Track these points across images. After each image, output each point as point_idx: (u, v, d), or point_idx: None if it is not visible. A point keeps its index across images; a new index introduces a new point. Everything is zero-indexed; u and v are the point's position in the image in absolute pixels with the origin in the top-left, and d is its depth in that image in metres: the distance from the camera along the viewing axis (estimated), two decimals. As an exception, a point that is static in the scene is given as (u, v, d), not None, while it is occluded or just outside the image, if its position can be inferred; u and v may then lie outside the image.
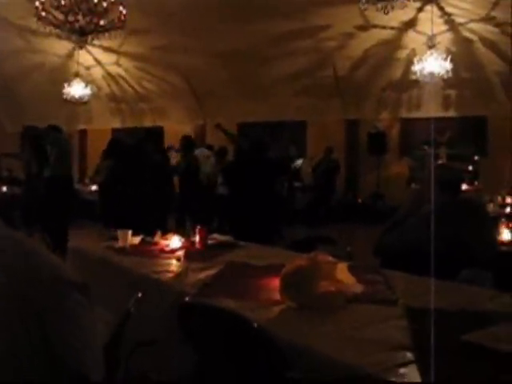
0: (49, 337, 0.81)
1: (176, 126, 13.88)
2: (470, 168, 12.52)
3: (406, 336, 1.75)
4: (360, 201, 12.44)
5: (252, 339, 1.77)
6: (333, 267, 2.10)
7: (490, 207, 7.00)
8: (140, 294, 2.11)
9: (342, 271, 2.15)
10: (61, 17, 8.73)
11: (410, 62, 9.82)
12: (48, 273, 0.88)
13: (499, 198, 7.94)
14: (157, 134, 13.01)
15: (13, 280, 0.83)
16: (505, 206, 7.44)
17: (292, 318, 2.00)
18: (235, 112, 12.76)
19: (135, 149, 7.42)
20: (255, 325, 1.75)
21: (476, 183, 12.03)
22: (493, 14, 8.82)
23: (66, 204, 7.36)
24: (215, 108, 13.13)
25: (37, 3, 8.42)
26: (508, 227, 4.18)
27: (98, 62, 12.77)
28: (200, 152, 9.24)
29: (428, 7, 8.93)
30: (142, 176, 6.71)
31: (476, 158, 12.01)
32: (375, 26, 9.82)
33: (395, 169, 12.36)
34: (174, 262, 3.11)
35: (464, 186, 12.31)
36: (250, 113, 12.61)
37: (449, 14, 9.23)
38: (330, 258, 2.15)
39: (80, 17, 8.65)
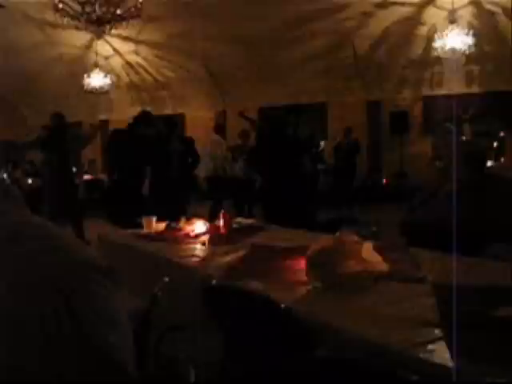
0: (79, 322, 0.82)
1: (197, 112, 13.89)
2: (495, 144, 12.33)
3: (433, 313, 1.73)
4: (384, 180, 12.34)
5: (279, 320, 1.78)
6: (358, 247, 2.09)
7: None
8: (167, 279, 2.12)
9: (368, 250, 2.14)
10: (78, 8, 8.77)
11: (430, 39, 9.68)
12: (73, 256, 0.88)
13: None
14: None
15: (39, 265, 0.83)
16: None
17: (318, 297, 1.99)
18: (255, 96, 12.72)
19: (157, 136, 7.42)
20: (282, 306, 1.75)
21: (502, 159, 11.86)
22: (516, -16, 8.62)
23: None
24: (235, 93, 13.11)
25: (54, -5, 8.47)
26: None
27: (117, 52, 12.80)
28: (214, 138, 9.16)
29: (449, -19, 8.78)
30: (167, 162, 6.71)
31: (502, 134, 11.81)
32: (394, 3, 9.68)
33: (418, 147, 12.22)
34: (198, 246, 3.13)
35: (490, 163, 12.20)
36: (270, 97, 12.55)
37: (470, -13, 9.05)
38: (356, 238, 2.13)
39: (97, 7, 8.69)
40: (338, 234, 2.12)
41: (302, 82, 12.08)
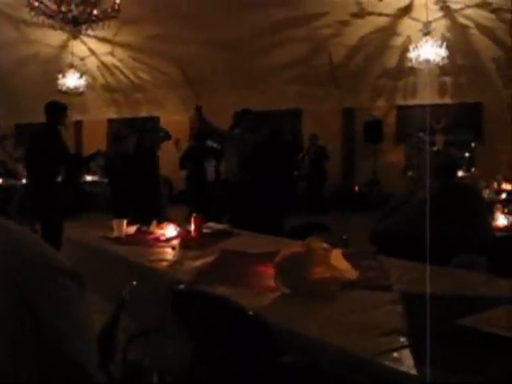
0: (40, 325, 0.81)
1: (172, 116, 13.83)
2: (467, 154, 12.53)
3: (400, 321, 1.75)
4: (357, 188, 12.43)
5: (246, 326, 1.77)
6: (327, 254, 2.10)
7: (486, 193, 7.01)
8: (134, 283, 2.10)
9: (337, 257, 2.15)
10: (54, 7, 8.68)
11: (405, 49, 9.81)
12: (37, 258, 0.87)
13: (495, 184, 7.94)
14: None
15: (2, 267, 0.82)
16: (501, 192, 7.45)
17: (287, 304, 1.99)
18: (231, 101, 12.71)
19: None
20: (250, 312, 1.75)
21: (473, 169, 12.06)
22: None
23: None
24: (210, 98, 13.08)
25: (30, -6, 8.37)
26: (503, 213, 4.19)
27: (93, 53, 12.71)
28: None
29: (423, -7, 8.91)
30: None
31: (473, 144, 12.03)
32: (370, 14, 9.79)
33: (391, 156, 12.35)
34: (169, 250, 3.12)
35: (460, 173, 12.40)
36: (246, 102, 12.55)
37: (444, 1, 9.21)
38: (325, 245, 2.14)
39: (73, 6, 8.61)
40: (307, 240, 2.13)
41: (278, 88, 12.14)
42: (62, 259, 0.92)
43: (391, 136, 12.63)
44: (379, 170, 12.29)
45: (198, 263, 2.68)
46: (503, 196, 6.96)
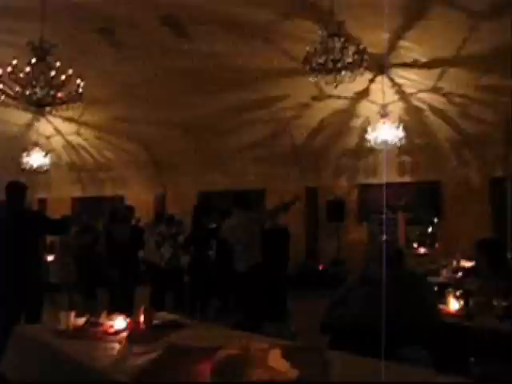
0: None
1: (138, 195, 13.85)
2: (430, 230, 12.76)
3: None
4: (320, 267, 12.41)
5: None
6: (265, 354, 2.08)
7: (443, 273, 7.09)
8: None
9: (275, 358, 2.13)
10: (18, 89, 8.76)
11: (364, 130, 10.11)
12: None
13: (454, 262, 8.01)
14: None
15: None
16: (459, 270, 7.51)
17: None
18: (195, 181, 12.88)
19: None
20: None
21: (437, 245, 12.24)
22: (439, 84, 9.23)
23: None
24: (175, 177, 13.23)
25: (-6, 75, 8.45)
26: (455, 297, 4.19)
27: (58, 132, 12.82)
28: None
29: (379, 78, 9.30)
30: None
31: (435, 220, 12.25)
32: (330, 96, 10.13)
33: (355, 235, 12.47)
34: (116, 345, 3.04)
35: (423, 250, 12.55)
36: (210, 182, 12.73)
37: (399, 85, 9.61)
38: (263, 345, 2.13)
39: (38, 89, 8.70)
40: (244, 340, 2.11)
41: (241, 168, 12.34)
42: None
43: (354, 214, 12.78)
44: (342, 249, 12.35)
45: (141, 360, 2.61)
46: (459, 274, 7.00)
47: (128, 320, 3.49)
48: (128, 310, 3.74)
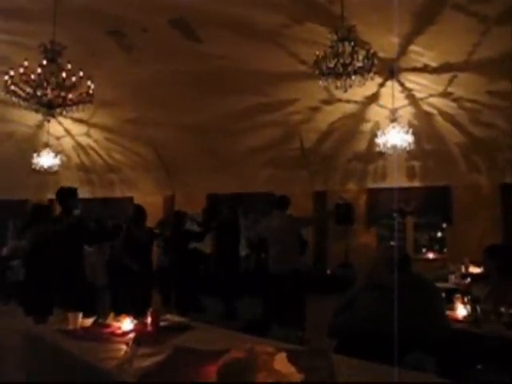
0: None
1: (146, 197, 13.88)
2: (439, 235, 12.71)
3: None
4: (329, 271, 12.40)
5: None
6: (270, 358, 2.08)
7: (452, 279, 7.05)
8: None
9: (281, 361, 2.13)
10: (29, 90, 8.83)
11: (373, 135, 10.07)
12: None
13: (463, 268, 7.97)
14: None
15: None
16: (467, 276, 7.47)
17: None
18: (204, 184, 12.90)
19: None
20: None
21: (445, 250, 12.20)
22: (449, 89, 9.20)
23: None
24: (184, 180, 13.25)
25: (6, 77, 8.51)
26: (463, 303, 4.18)
27: (69, 133, 12.87)
28: None
29: (389, 83, 9.28)
30: None
31: (444, 225, 12.23)
32: (340, 100, 10.12)
33: (363, 239, 12.44)
34: (123, 346, 3.05)
35: (431, 255, 12.51)
36: (219, 185, 12.74)
37: (409, 90, 9.58)
38: (269, 349, 2.13)
39: (49, 91, 8.75)
40: (249, 345, 2.11)
41: (251, 171, 12.35)
42: None
43: (362, 218, 12.76)
44: (351, 252, 12.33)
45: (147, 362, 2.63)
46: (468, 280, 6.96)
47: (135, 321, 3.50)
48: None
